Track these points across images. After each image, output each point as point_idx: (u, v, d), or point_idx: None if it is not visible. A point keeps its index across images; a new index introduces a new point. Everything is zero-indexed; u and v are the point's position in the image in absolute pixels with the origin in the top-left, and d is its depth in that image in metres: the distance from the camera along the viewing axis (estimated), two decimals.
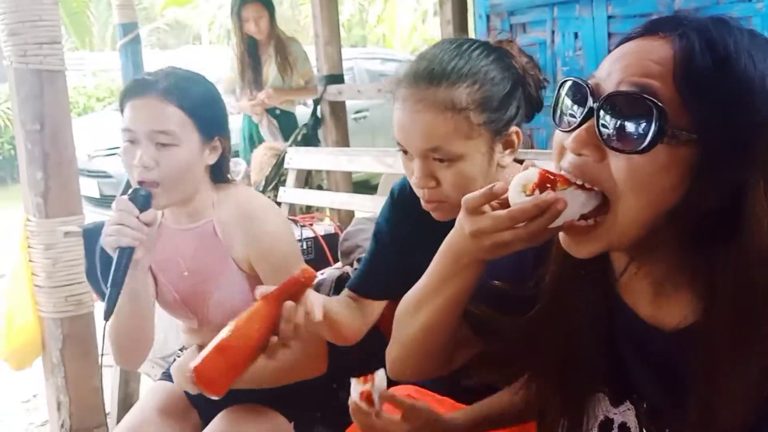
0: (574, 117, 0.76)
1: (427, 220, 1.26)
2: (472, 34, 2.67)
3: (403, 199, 1.42)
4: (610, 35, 2.12)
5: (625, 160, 0.72)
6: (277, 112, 4.14)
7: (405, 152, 1.22)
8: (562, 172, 0.79)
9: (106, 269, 2.34)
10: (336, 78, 3.26)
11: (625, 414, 0.90)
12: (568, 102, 0.79)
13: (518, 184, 0.79)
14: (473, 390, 1.21)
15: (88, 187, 5.95)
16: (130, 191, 1.43)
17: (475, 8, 2.53)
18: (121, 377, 2.68)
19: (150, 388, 1.64)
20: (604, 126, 0.73)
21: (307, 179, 3.40)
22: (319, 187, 3.42)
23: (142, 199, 1.41)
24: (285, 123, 4.15)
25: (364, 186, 6.45)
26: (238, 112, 4.25)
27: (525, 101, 1.24)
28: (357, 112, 7.13)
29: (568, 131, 0.77)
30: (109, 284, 1.40)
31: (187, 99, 1.46)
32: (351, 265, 1.96)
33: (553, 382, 0.94)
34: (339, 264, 2.24)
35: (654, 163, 0.71)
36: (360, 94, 3.21)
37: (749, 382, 0.72)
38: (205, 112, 1.50)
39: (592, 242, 0.78)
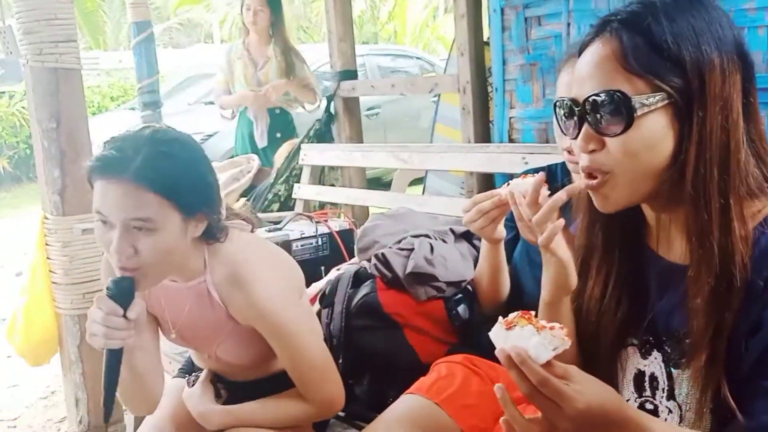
0: (571, 126, 0.96)
1: None
2: (486, 30, 2.65)
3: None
4: None
5: (617, 140, 0.92)
6: (277, 111, 4.08)
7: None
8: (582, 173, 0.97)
9: None
10: (349, 74, 3.25)
11: (653, 364, 1.01)
12: (563, 116, 0.98)
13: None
14: None
15: None
16: (109, 283, 1.31)
17: (490, 2, 2.50)
18: None
19: (167, 388, 1.65)
20: (593, 124, 0.93)
21: (320, 177, 3.39)
22: (332, 186, 3.42)
23: (125, 292, 1.31)
24: (283, 123, 4.12)
25: (377, 183, 6.45)
26: (235, 109, 4.19)
27: None
28: (369, 109, 7.11)
29: (575, 138, 0.96)
30: (103, 386, 1.30)
31: (163, 179, 1.30)
32: (369, 260, 1.96)
33: (587, 336, 1.05)
34: (355, 259, 2.24)
35: (638, 133, 0.90)
36: (373, 90, 3.20)
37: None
38: (186, 190, 1.33)
39: (607, 197, 0.95)
